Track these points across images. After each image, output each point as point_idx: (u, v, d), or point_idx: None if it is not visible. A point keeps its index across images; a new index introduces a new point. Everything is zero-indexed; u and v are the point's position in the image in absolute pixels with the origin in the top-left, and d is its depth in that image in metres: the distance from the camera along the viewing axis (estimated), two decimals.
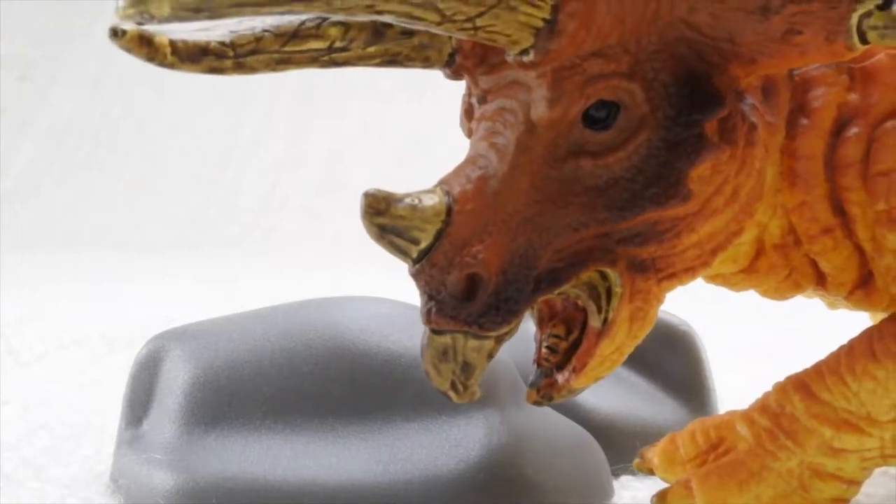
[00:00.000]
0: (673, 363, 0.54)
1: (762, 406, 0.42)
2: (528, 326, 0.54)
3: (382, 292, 0.56)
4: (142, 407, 0.47)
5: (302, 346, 0.47)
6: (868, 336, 0.40)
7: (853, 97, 0.38)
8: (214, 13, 0.29)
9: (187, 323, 0.50)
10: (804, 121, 0.38)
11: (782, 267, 0.40)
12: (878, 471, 0.52)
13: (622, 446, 0.52)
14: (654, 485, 0.51)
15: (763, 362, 0.76)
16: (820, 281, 0.41)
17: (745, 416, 0.42)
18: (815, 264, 0.40)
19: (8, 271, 1.59)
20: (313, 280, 1.45)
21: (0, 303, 1.18)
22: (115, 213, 2.21)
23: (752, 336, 0.93)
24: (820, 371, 0.40)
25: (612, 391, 0.53)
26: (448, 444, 0.45)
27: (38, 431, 0.61)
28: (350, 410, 0.46)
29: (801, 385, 0.40)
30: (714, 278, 0.42)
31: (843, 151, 0.38)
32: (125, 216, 2.20)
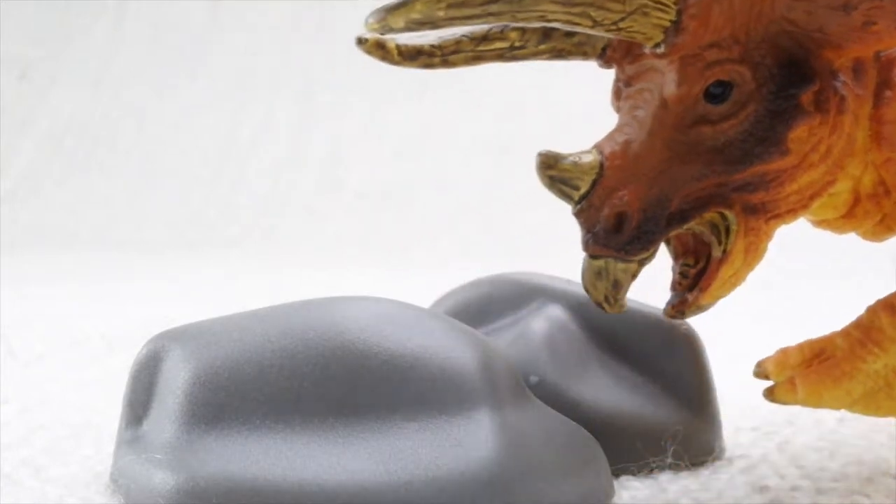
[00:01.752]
0: (674, 363, 0.54)
1: (856, 323, 0.50)
2: (528, 328, 0.55)
3: (382, 292, 0.56)
4: (142, 407, 0.47)
5: (302, 346, 0.47)
6: None
7: None
8: (434, 26, 0.39)
9: (187, 323, 0.49)
10: (888, 93, 0.47)
11: (875, 213, 0.49)
12: (878, 472, 0.52)
13: (622, 446, 0.52)
14: (655, 485, 0.51)
15: None
16: None
17: (843, 330, 0.51)
18: None
19: (8, 271, 1.59)
20: (313, 280, 1.45)
21: (0, 303, 1.18)
22: (115, 213, 2.21)
23: (753, 336, 0.93)
24: None
25: (613, 391, 0.53)
26: (448, 444, 0.45)
27: (38, 431, 0.61)
28: (350, 410, 0.46)
29: (888, 305, 0.49)
30: (821, 223, 0.51)
31: None
32: (125, 216, 2.20)
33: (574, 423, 0.51)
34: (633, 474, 0.52)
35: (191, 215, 2.18)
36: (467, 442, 0.45)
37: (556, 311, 0.55)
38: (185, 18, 2.59)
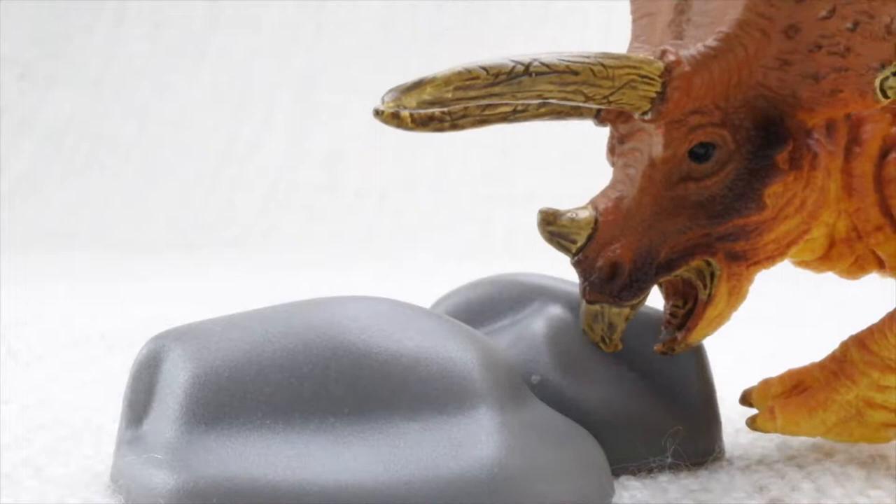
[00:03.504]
0: (673, 364, 0.54)
1: (831, 356, 0.54)
2: (529, 328, 0.55)
3: (382, 292, 0.56)
4: (142, 407, 0.47)
5: (302, 346, 0.47)
6: None
7: (894, 130, 0.52)
8: (442, 105, 0.44)
9: (187, 323, 0.49)
10: (857, 149, 0.51)
11: (849, 255, 0.54)
12: (878, 472, 0.52)
13: (622, 446, 0.52)
14: (654, 485, 0.51)
15: (763, 363, 0.76)
16: (880, 265, 0.54)
17: (820, 363, 0.54)
18: (874, 253, 0.53)
19: (8, 271, 1.59)
20: (313, 280, 1.45)
21: (0, 303, 1.18)
22: (115, 213, 2.21)
23: (753, 337, 0.93)
24: (871, 330, 0.53)
25: (613, 391, 0.53)
26: (448, 444, 0.45)
27: (38, 431, 0.61)
28: (350, 410, 0.46)
29: (858, 340, 0.53)
30: (800, 264, 0.56)
31: (887, 171, 0.51)
32: (125, 216, 2.20)
33: (574, 422, 0.51)
34: (633, 474, 0.52)
35: (191, 215, 2.18)
36: (467, 442, 0.45)
37: (556, 311, 0.55)
38: (185, 18, 2.59)
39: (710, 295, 0.50)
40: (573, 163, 1.91)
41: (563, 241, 0.49)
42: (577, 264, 0.50)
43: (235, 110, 2.41)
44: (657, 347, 0.52)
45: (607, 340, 0.52)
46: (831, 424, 0.53)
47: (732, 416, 0.62)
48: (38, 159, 2.39)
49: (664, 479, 0.52)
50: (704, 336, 0.52)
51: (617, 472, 0.51)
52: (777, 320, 1.03)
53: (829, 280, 0.70)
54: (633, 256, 0.49)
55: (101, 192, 2.28)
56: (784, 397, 0.55)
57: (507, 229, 1.96)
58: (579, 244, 0.49)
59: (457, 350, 0.48)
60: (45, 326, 1.03)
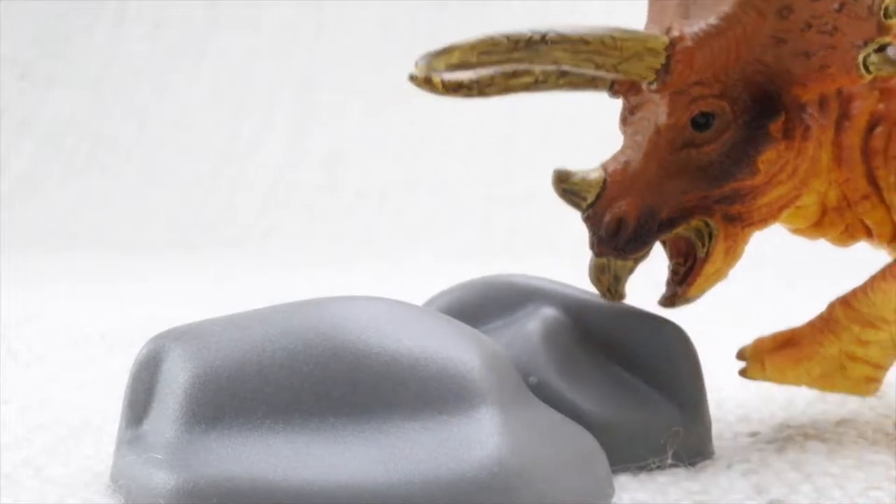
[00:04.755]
0: (667, 364, 0.55)
1: (819, 315, 0.59)
2: (525, 329, 0.55)
3: (382, 292, 0.56)
4: (142, 407, 0.47)
5: (302, 346, 0.47)
6: (887, 266, 0.57)
7: (881, 106, 0.56)
8: (469, 67, 0.49)
9: (187, 323, 0.49)
10: (846, 123, 0.55)
11: (840, 223, 0.58)
12: (878, 473, 0.52)
13: (622, 446, 0.52)
14: (654, 486, 0.51)
15: None
16: (868, 233, 0.58)
17: (809, 322, 0.59)
18: (863, 221, 0.57)
19: (8, 271, 1.59)
20: (313, 280, 1.45)
21: (0, 303, 1.18)
22: (115, 213, 2.21)
23: (750, 338, 0.93)
24: (855, 290, 0.57)
25: (608, 392, 0.53)
26: (448, 444, 0.45)
27: (38, 431, 0.61)
28: (350, 410, 0.46)
29: (843, 300, 0.57)
30: (795, 231, 0.60)
31: (873, 143, 0.56)
32: (125, 216, 2.20)
33: (574, 422, 0.51)
34: (633, 474, 0.52)
35: (191, 215, 2.18)
36: (467, 442, 0.45)
37: (551, 313, 0.55)
38: (185, 18, 2.59)
39: (707, 252, 0.54)
40: (573, 163, 1.91)
41: (574, 198, 0.54)
42: (586, 220, 0.54)
43: (235, 110, 2.41)
44: (660, 301, 0.56)
45: (613, 291, 0.55)
46: (816, 375, 0.58)
47: (731, 421, 0.62)
48: (38, 159, 2.39)
49: (663, 480, 0.52)
50: (702, 291, 0.56)
51: (617, 472, 0.51)
52: (773, 321, 1.03)
53: (831, 282, 0.70)
54: (637, 213, 0.53)
55: (101, 192, 2.28)
56: (775, 351, 0.60)
57: (507, 229, 1.96)
58: (589, 201, 0.53)
59: (457, 350, 0.48)
60: (45, 326, 1.03)
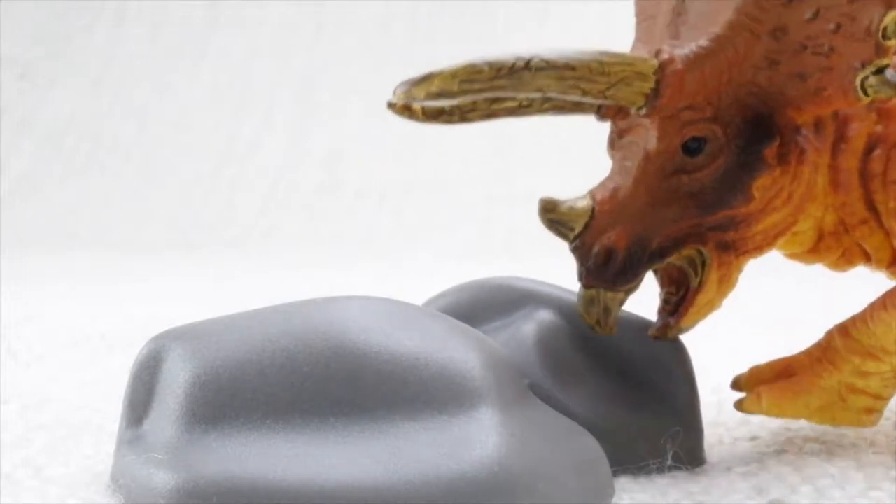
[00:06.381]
0: (660, 372, 0.55)
1: (817, 344, 0.56)
2: (520, 331, 0.55)
3: (382, 292, 0.56)
4: (142, 407, 0.47)
5: (302, 346, 0.47)
6: (886, 294, 0.54)
7: (878, 128, 0.54)
8: (449, 97, 0.47)
9: (187, 323, 0.49)
10: (843, 145, 0.53)
11: (837, 248, 0.56)
12: (881, 475, 0.52)
13: (622, 447, 0.52)
14: (654, 487, 0.51)
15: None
16: (866, 258, 0.56)
17: (806, 351, 0.56)
18: (861, 246, 0.56)
19: (8, 271, 1.59)
20: (313, 280, 1.45)
21: (0, 303, 1.18)
22: (115, 213, 2.21)
23: (748, 340, 0.93)
24: (854, 319, 0.55)
25: (602, 395, 0.53)
26: (448, 444, 0.45)
27: (38, 431, 0.61)
28: (350, 410, 0.46)
29: (841, 328, 0.55)
30: (791, 256, 0.58)
31: (871, 166, 0.53)
32: (125, 216, 2.20)
33: (574, 422, 0.51)
34: (633, 475, 0.52)
35: (191, 215, 2.18)
36: (467, 442, 0.45)
37: (546, 316, 0.55)
38: (185, 18, 2.59)
39: (700, 282, 0.52)
40: (573, 163, 1.91)
41: (561, 228, 0.51)
42: (574, 250, 0.51)
43: (235, 110, 2.41)
44: (651, 332, 0.54)
45: (602, 324, 0.53)
46: (814, 408, 0.55)
47: (730, 426, 0.62)
48: (38, 159, 2.39)
49: (663, 482, 0.52)
50: (695, 322, 0.54)
51: (617, 473, 0.51)
52: (771, 323, 1.03)
53: (831, 289, 0.70)
54: (627, 244, 0.51)
55: (101, 192, 2.28)
56: (772, 382, 0.57)
57: (507, 229, 1.96)
58: (577, 231, 0.51)
59: (457, 350, 0.48)
60: (45, 326, 1.03)
